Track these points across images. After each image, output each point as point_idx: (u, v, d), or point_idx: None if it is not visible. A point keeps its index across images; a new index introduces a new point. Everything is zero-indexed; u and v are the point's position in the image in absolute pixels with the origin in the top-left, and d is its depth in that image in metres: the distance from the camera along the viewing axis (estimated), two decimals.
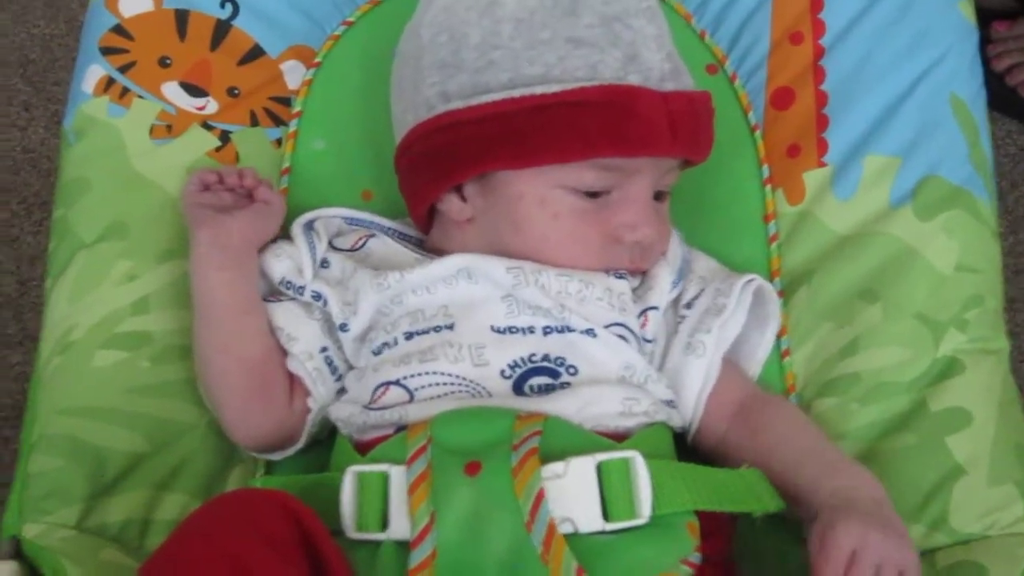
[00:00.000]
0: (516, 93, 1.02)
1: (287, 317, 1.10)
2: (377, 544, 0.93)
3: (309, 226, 1.14)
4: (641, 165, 1.05)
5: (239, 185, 1.14)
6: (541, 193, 1.05)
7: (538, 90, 1.02)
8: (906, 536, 0.93)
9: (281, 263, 1.11)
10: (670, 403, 1.05)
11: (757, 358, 1.14)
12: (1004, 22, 1.93)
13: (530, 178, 1.05)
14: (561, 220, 1.05)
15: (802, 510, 0.98)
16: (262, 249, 1.12)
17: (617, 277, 1.08)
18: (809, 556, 0.91)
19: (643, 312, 1.08)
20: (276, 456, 1.11)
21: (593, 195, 1.05)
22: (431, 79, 1.07)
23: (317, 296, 1.09)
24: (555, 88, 1.01)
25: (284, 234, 1.15)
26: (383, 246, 1.14)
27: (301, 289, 1.10)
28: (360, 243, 1.14)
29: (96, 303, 1.14)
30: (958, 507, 1.05)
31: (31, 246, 1.85)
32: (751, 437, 1.05)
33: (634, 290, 1.09)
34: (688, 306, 1.11)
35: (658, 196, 1.09)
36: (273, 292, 1.13)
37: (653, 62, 1.04)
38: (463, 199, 1.09)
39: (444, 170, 1.07)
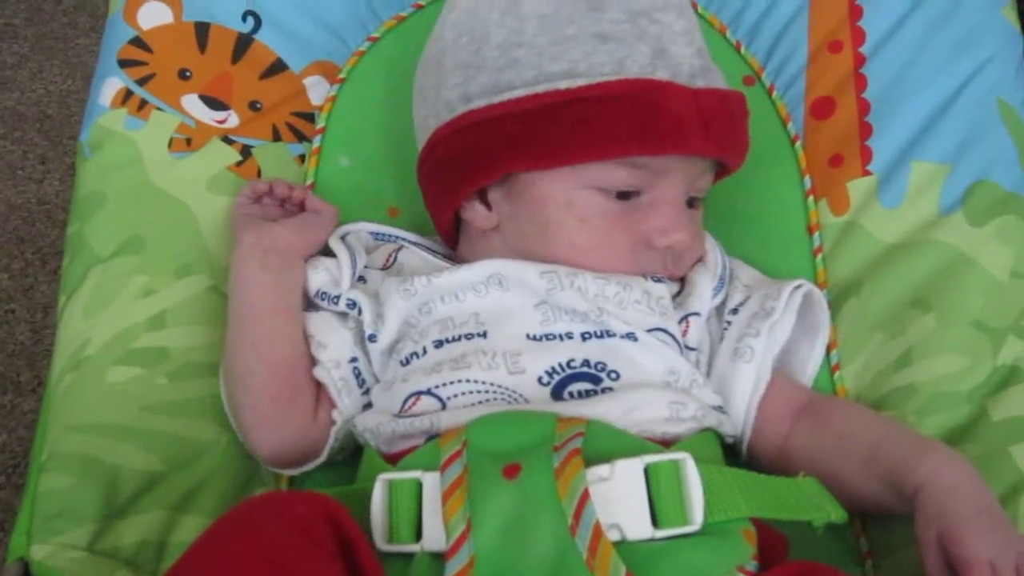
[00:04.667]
0: (540, 89, 0.98)
1: (319, 325, 1.06)
2: (410, 556, 0.86)
3: (342, 239, 1.11)
4: (672, 165, 1.00)
5: (288, 196, 1.11)
6: (568, 195, 1.00)
7: (562, 85, 0.98)
8: (1010, 523, 0.89)
9: (318, 275, 1.07)
10: (719, 409, 1.00)
11: (808, 372, 1.09)
12: None
13: (556, 179, 1.00)
14: (589, 223, 1.01)
15: (890, 497, 0.94)
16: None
17: (655, 281, 1.03)
18: (923, 552, 0.89)
19: (684, 318, 1.03)
20: (295, 471, 1.06)
21: (623, 197, 1.01)
22: (452, 80, 1.03)
23: (352, 304, 1.05)
24: (580, 83, 0.97)
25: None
26: (413, 256, 1.10)
27: (336, 299, 1.06)
28: (391, 260, 1.10)
29: (111, 318, 1.10)
30: None
31: (45, 295, 1.85)
32: (821, 431, 1.00)
33: (674, 297, 1.04)
34: (734, 312, 1.06)
35: (691, 203, 1.05)
36: (309, 305, 1.08)
37: (683, 57, 1.00)
38: (488, 206, 1.05)
39: (466, 173, 1.03)
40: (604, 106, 0.97)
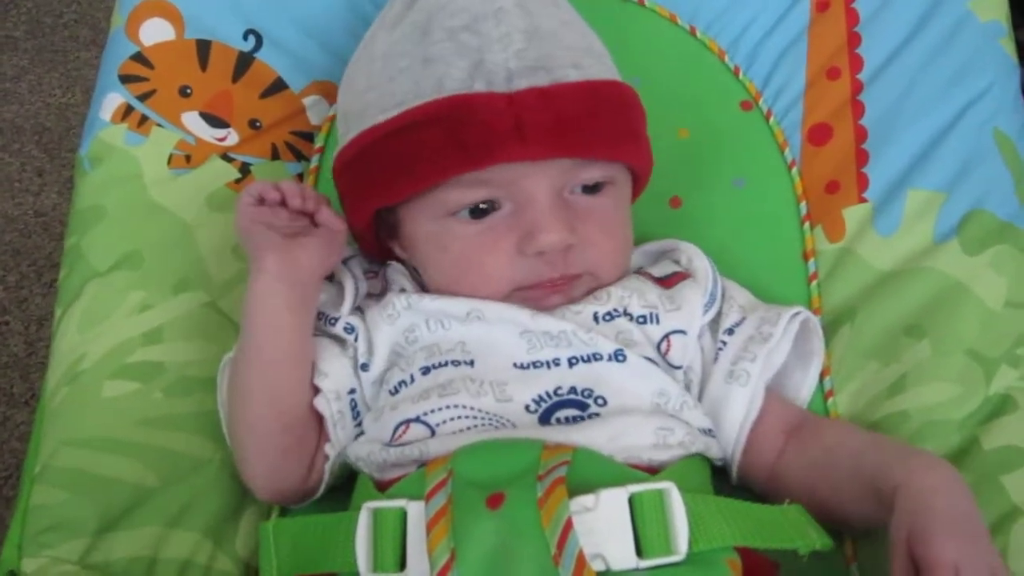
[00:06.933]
0: (366, 126, 0.99)
1: (321, 352, 1.04)
2: None
3: (344, 264, 1.09)
4: (518, 170, 0.97)
5: (301, 207, 1.04)
6: (426, 228, 1.00)
7: (381, 119, 0.98)
8: (987, 535, 0.87)
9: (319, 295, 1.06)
10: (708, 432, 0.99)
11: (801, 398, 1.08)
12: None
13: (412, 215, 1.01)
14: (450, 251, 1.00)
15: (874, 506, 0.91)
16: None
17: (606, 321, 1.01)
18: (892, 552, 0.86)
19: (665, 337, 1.01)
20: (292, 506, 1.06)
21: (479, 214, 0.99)
22: (340, 131, 1.07)
23: (350, 328, 1.04)
24: (393, 113, 0.97)
25: None
26: (399, 275, 1.08)
27: (334, 320, 1.04)
28: (384, 283, 1.10)
29: (107, 332, 1.10)
30: (1018, 549, 0.97)
31: (40, 308, 1.86)
32: (811, 445, 1.00)
33: (658, 313, 1.02)
34: (729, 332, 1.05)
35: (591, 189, 1.01)
36: None
37: (497, 63, 0.96)
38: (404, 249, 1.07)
39: (347, 212, 1.05)
40: (419, 131, 0.96)
